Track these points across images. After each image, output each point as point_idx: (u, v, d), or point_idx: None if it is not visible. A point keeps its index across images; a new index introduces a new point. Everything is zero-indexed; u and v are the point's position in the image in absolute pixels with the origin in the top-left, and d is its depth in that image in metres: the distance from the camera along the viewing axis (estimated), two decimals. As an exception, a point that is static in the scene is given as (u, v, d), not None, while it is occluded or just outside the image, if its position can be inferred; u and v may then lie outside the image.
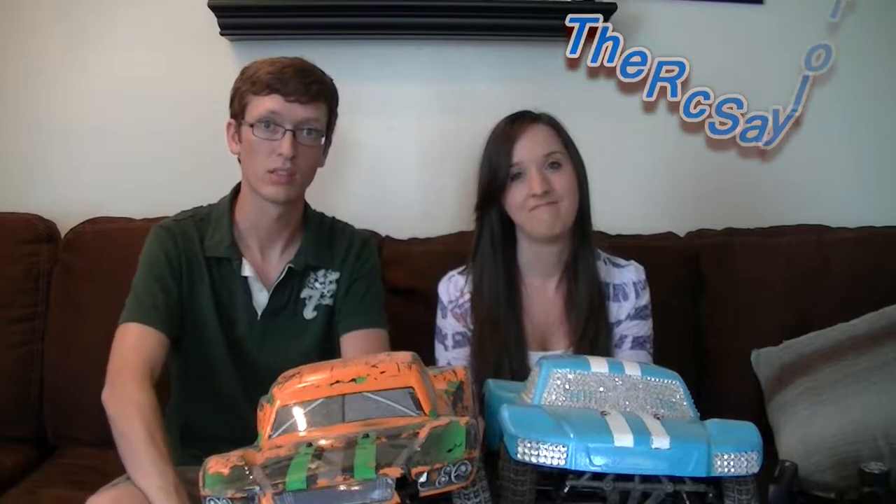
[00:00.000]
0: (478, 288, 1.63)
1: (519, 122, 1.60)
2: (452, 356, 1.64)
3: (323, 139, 1.53)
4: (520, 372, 1.53)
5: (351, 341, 1.58)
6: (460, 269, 1.68)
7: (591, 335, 1.59)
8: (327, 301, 1.60)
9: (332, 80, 1.55)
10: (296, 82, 1.46)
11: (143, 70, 2.13)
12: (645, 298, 1.66)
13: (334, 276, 1.61)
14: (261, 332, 1.56)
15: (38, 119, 2.14)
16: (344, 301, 1.60)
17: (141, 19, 2.12)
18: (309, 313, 1.58)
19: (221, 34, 2.07)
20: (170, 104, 2.13)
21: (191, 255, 1.54)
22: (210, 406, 1.56)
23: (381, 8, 2.08)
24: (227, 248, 1.54)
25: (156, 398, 1.38)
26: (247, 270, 1.55)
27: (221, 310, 1.54)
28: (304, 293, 1.59)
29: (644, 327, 1.65)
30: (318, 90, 1.49)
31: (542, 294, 1.65)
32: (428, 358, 1.66)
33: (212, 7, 2.02)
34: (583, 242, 1.63)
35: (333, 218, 1.70)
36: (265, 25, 2.07)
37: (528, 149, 1.57)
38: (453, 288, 1.66)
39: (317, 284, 1.60)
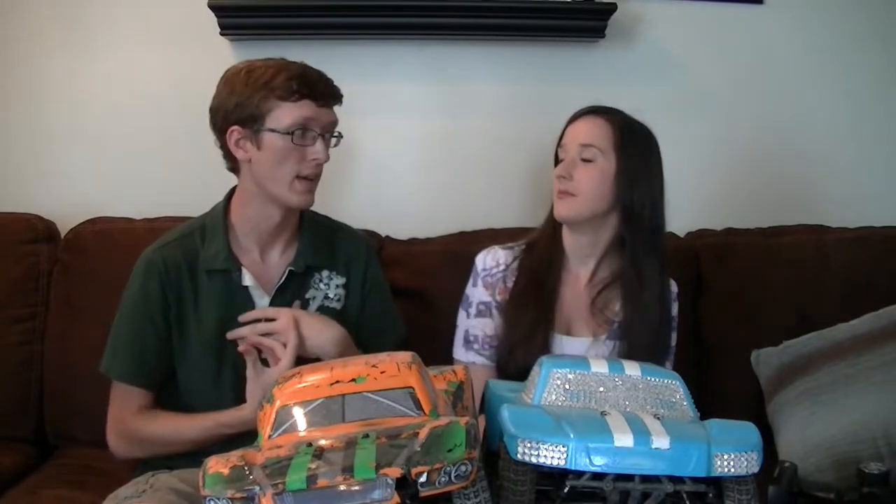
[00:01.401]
0: (528, 251, 1.68)
1: (587, 109, 1.66)
2: (471, 324, 1.67)
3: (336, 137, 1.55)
4: (539, 347, 1.57)
5: None
6: (505, 245, 1.71)
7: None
8: (333, 304, 1.60)
9: None
10: (322, 86, 1.49)
11: (143, 70, 2.12)
12: (673, 311, 1.70)
13: (340, 280, 1.61)
14: None
15: (37, 119, 2.14)
16: (364, 314, 1.62)
17: (141, 19, 2.12)
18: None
19: (221, 34, 2.07)
20: (170, 104, 2.13)
21: (181, 283, 1.52)
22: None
23: (382, 8, 2.08)
24: (224, 259, 1.53)
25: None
26: (247, 280, 1.53)
27: (222, 323, 1.51)
28: (310, 294, 1.58)
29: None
30: (338, 93, 1.52)
31: (576, 283, 1.68)
32: (428, 358, 1.66)
33: (212, 7, 2.02)
34: (641, 242, 1.62)
35: (328, 217, 1.70)
36: (265, 25, 2.07)
37: (573, 135, 1.63)
38: (491, 258, 1.69)
39: (321, 285, 1.59)
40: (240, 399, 1.47)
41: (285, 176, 1.49)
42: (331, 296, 1.60)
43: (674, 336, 1.70)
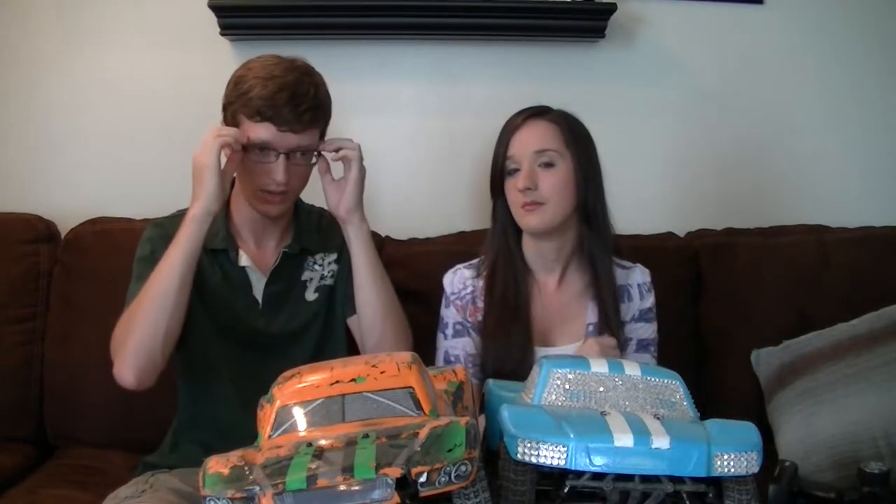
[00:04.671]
0: (492, 274, 1.64)
1: (525, 114, 1.62)
2: (450, 345, 1.66)
3: (315, 155, 1.55)
4: (523, 364, 1.53)
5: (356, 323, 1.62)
6: (468, 263, 1.69)
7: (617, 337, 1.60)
8: (328, 281, 1.64)
9: (326, 93, 1.54)
10: (287, 111, 1.45)
11: (143, 70, 2.13)
12: (650, 301, 1.67)
13: (332, 256, 1.66)
14: (264, 320, 1.58)
15: (38, 119, 2.14)
16: (347, 284, 1.62)
17: (141, 19, 2.12)
18: (310, 295, 1.62)
19: (221, 34, 2.07)
20: (170, 104, 2.13)
21: None
22: (218, 400, 1.55)
23: (381, 8, 2.08)
24: (223, 239, 1.57)
25: None
26: (244, 260, 1.58)
27: (222, 302, 1.56)
28: (305, 276, 1.63)
29: (648, 330, 1.67)
30: (310, 119, 1.48)
31: (544, 291, 1.66)
32: (428, 358, 1.66)
33: (212, 7, 2.02)
34: (597, 243, 1.62)
35: (322, 209, 1.71)
36: (265, 25, 2.07)
37: (523, 143, 1.58)
38: (458, 280, 1.67)
39: (316, 266, 1.64)
40: (237, 374, 1.54)
41: (251, 187, 1.53)
42: (326, 274, 1.65)
43: (654, 326, 1.67)
